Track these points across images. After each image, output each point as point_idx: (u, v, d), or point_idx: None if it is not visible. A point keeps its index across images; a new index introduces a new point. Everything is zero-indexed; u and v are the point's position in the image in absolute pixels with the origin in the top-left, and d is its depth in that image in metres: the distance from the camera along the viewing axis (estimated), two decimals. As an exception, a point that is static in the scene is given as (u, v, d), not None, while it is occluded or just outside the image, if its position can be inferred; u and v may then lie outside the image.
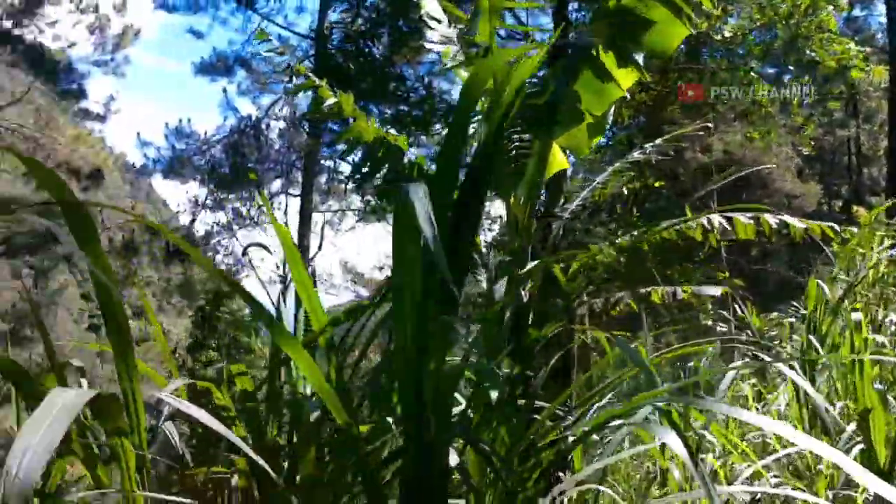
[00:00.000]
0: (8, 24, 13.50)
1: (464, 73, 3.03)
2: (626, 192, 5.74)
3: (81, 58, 14.84)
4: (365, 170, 3.13)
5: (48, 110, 14.71)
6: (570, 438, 1.63)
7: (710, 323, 5.87)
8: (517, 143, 3.01)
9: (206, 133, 12.29)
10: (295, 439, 2.01)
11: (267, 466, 1.60)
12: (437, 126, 7.09)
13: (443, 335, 1.55)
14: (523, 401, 2.01)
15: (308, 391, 2.16)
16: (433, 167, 3.15)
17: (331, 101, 3.17)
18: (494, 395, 1.69)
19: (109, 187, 16.86)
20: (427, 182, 1.54)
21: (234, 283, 1.59)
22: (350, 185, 8.85)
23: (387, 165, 3.11)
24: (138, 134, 12.35)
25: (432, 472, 1.43)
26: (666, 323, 6.23)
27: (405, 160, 3.05)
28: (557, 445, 1.63)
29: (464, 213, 1.72)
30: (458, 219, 1.70)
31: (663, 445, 2.09)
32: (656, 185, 5.88)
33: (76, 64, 14.21)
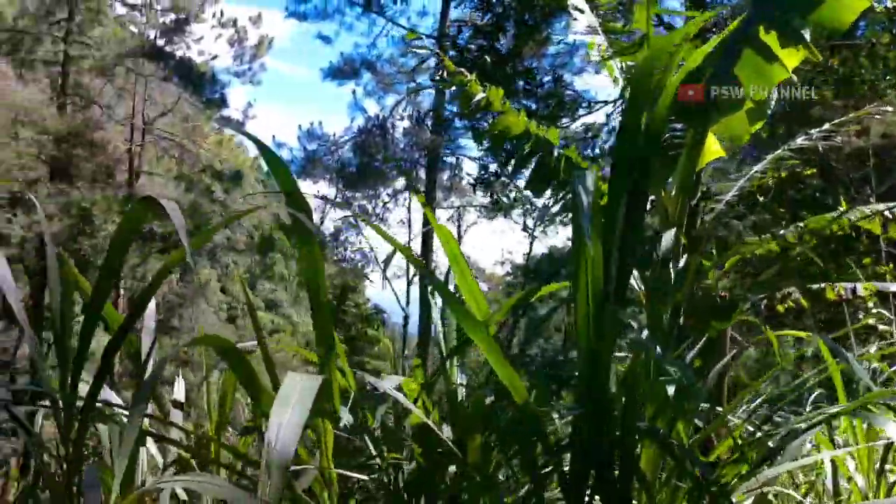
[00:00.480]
0: (161, 42, 14.84)
1: (613, 64, 2.97)
2: (770, 181, 5.39)
3: (222, 69, 16.03)
4: (513, 163, 3.15)
5: (194, 119, 16.01)
6: (779, 435, 1.56)
7: (871, 322, 5.40)
8: (668, 133, 2.92)
9: (334, 134, 12.91)
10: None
11: (456, 449, 1.66)
12: (566, 120, 6.99)
13: (614, 326, 1.54)
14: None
15: (461, 380, 2.21)
16: (582, 160, 3.11)
17: (479, 95, 3.22)
18: (671, 388, 1.65)
19: (246, 188, 18.03)
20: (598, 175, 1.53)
21: (414, 255, 1.65)
22: (474, 181, 8.96)
23: (535, 159, 3.11)
24: (273, 137, 13.13)
25: (620, 469, 1.42)
26: (820, 322, 5.80)
27: (554, 153, 3.04)
28: (755, 443, 1.56)
29: (633, 205, 1.70)
30: (629, 210, 1.68)
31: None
32: (807, 173, 5.47)
33: (218, 75, 15.38)
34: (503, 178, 8.66)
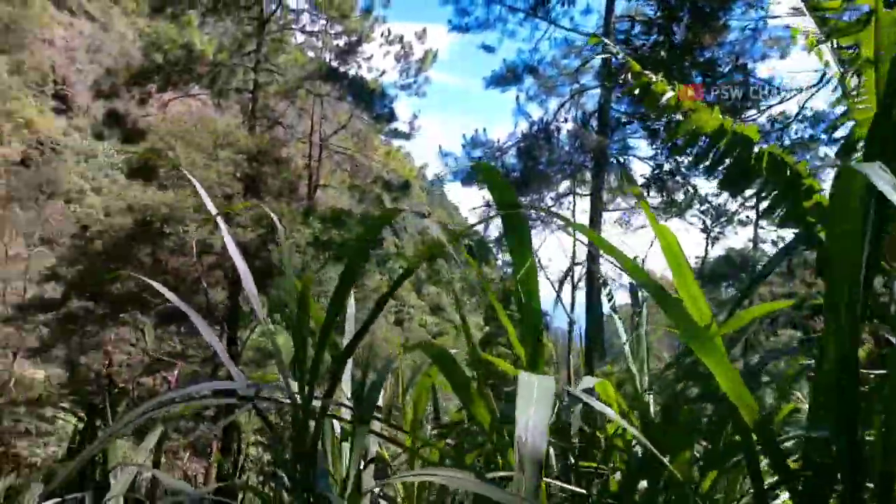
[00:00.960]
0: (335, 63, 15.99)
1: (823, 47, 2.72)
2: None
3: (390, 84, 16.92)
4: (707, 162, 2.99)
5: (365, 133, 17.04)
6: None
7: None
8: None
9: (498, 140, 13.10)
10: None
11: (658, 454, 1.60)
12: (752, 112, 6.50)
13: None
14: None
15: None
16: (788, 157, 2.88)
17: (668, 94, 3.09)
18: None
19: (412, 196, 18.81)
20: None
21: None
22: (647, 181, 8.62)
23: (731, 157, 2.93)
24: (440, 146, 13.58)
25: (879, 498, 1.28)
26: None
27: (753, 150, 2.84)
28: None
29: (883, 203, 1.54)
30: (879, 208, 1.52)
31: None
32: None
33: (387, 90, 16.26)
34: (678, 177, 8.26)
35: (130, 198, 15.31)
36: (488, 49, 13.80)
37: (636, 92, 3.63)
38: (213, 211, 2.22)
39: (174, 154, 14.44)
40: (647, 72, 3.11)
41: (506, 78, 12.95)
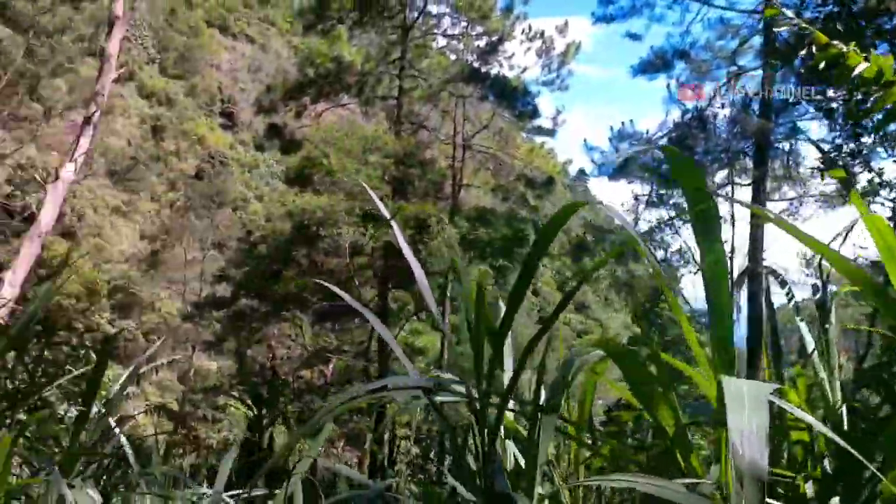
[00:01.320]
0: (477, 64, 16.14)
1: None
2: None
3: (531, 80, 16.78)
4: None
5: (507, 131, 17.05)
6: None
7: None
8: None
9: (647, 131, 12.53)
10: None
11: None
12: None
13: None
14: None
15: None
16: None
17: (861, 66, 2.76)
18: None
19: (555, 194, 18.55)
20: None
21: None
22: (822, 164, 7.80)
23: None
24: (584, 140, 13.24)
25: None
26: None
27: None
28: None
29: None
30: None
31: None
32: None
33: (528, 86, 16.14)
34: (859, 160, 7.42)
35: (289, 203, 16.43)
36: (634, 37, 13.25)
37: (821, 67, 3.29)
38: (387, 215, 2.28)
39: (328, 161, 15.30)
40: (833, 44, 2.79)
41: (654, 65, 12.36)
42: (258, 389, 17.89)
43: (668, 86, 11.99)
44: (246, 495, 3.46)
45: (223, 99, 55.10)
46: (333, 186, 15.22)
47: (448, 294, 16.83)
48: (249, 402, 17.33)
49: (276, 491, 2.91)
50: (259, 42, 60.66)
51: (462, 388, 1.90)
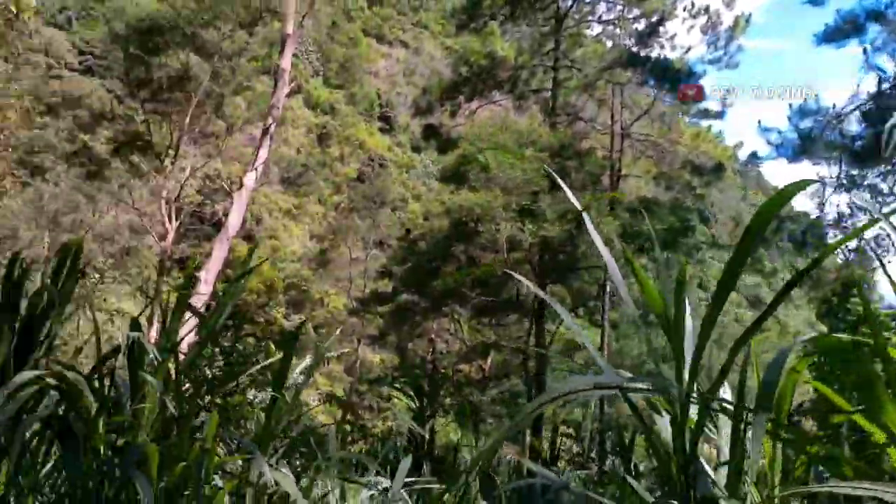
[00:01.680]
0: (635, 48, 15.39)
1: None
2: None
3: (696, 60, 15.70)
4: None
5: (670, 116, 16.10)
6: None
7: None
8: None
9: (834, 106, 11.18)
10: None
11: None
12: None
13: None
14: None
15: None
16: None
17: None
18: None
19: (724, 180, 17.25)
20: None
21: None
22: None
23: None
24: (759, 121, 12.08)
25: None
26: None
27: None
28: None
29: None
30: None
31: None
32: None
33: (693, 67, 15.12)
34: None
35: (446, 201, 16.73)
36: (815, 2, 11.90)
37: None
38: (578, 206, 2.16)
39: (483, 157, 15.37)
40: None
41: (843, 31, 10.99)
42: (419, 382, 18.47)
43: (864, 50, 10.59)
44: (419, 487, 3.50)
45: (381, 104, 57.71)
46: (489, 183, 15.25)
47: (608, 290, 16.26)
48: (411, 393, 17.95)
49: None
50: (413, 46, 62.78)
51: (661, 387, 1.74)
